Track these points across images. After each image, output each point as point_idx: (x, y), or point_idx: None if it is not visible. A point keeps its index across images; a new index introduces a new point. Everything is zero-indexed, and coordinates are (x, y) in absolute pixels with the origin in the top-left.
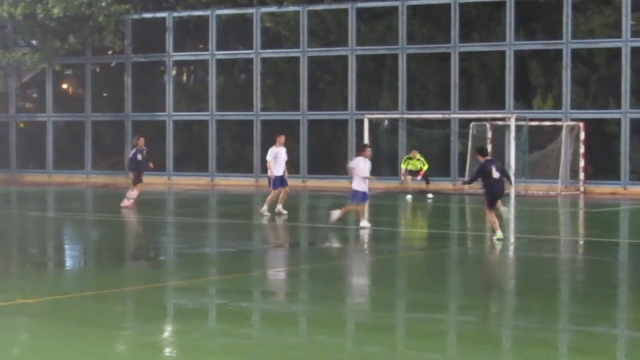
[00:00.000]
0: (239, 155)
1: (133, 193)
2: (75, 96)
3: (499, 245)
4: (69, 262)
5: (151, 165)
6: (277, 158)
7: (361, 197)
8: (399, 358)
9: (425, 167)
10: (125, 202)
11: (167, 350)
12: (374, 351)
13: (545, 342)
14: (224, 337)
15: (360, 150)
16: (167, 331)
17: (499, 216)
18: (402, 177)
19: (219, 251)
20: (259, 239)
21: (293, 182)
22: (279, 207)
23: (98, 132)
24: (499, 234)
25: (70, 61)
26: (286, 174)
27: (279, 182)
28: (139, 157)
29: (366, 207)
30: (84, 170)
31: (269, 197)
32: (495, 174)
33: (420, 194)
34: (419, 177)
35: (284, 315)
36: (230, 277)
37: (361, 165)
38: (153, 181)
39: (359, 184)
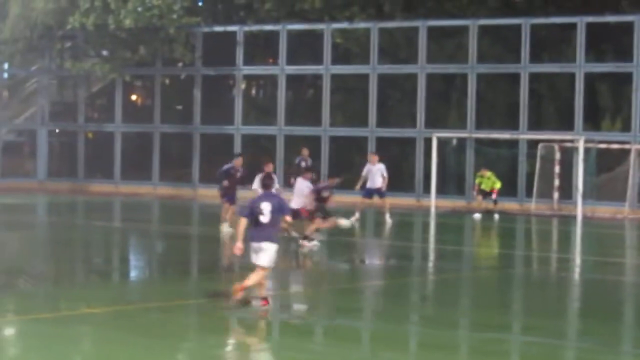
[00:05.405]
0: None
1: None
2: (144, 107)
3: None
4: (133, 273)
5: (225, 183)
6: (369, 173)
7: None
8: None
9: (498, 185)
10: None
11: None
12: None
13: None
14: (288, 351)
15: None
16: (230, 344)
17: None
18: (474, 194)
19: (288, 266)
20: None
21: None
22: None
23: (166, 144)
24: None
25: (140, 72)
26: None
27: (367, 193)
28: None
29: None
30: (151, 182)
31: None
32: None
33: (487, 214)
34: (493, 196)
35: (350, 331)
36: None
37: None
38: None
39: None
